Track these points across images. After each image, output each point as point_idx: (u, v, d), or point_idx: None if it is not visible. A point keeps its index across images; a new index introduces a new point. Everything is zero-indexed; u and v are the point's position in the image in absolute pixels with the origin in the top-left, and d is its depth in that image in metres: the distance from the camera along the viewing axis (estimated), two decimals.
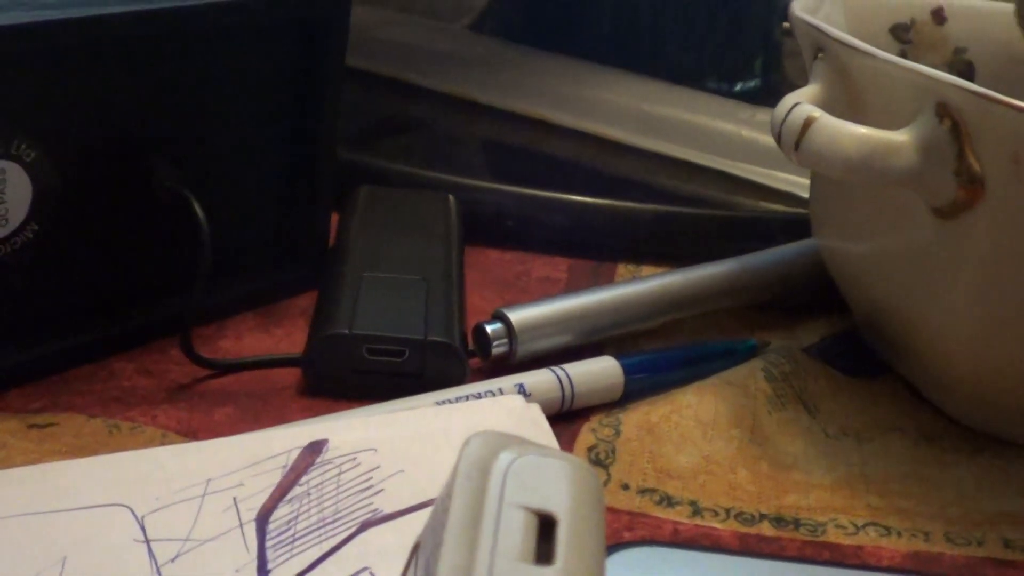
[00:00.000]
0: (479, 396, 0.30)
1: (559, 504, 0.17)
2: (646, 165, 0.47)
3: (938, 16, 0.40)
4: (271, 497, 0.26)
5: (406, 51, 0.53)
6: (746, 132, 0.46)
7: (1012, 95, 0.27)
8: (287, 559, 0.25)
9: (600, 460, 0.30)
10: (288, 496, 0.26)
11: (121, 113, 0.32)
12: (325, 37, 0.35)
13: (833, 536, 0.28)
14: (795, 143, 0.29)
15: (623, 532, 0.28)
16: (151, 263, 0.34)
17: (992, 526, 0.29)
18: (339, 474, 0.27)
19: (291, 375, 0.33)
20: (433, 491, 0.27)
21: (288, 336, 0.35)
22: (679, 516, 0.29)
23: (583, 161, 0.47)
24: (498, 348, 0.33)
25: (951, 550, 0.28)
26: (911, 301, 0.32)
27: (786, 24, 0.51)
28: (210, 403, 0.31)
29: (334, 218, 0.38)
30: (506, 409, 0.29)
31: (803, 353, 0.36)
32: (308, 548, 0.25)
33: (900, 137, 0.28)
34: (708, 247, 0.41)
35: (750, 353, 0.35)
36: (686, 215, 0.43)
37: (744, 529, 0.28)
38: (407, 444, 0.28)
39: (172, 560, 0.25)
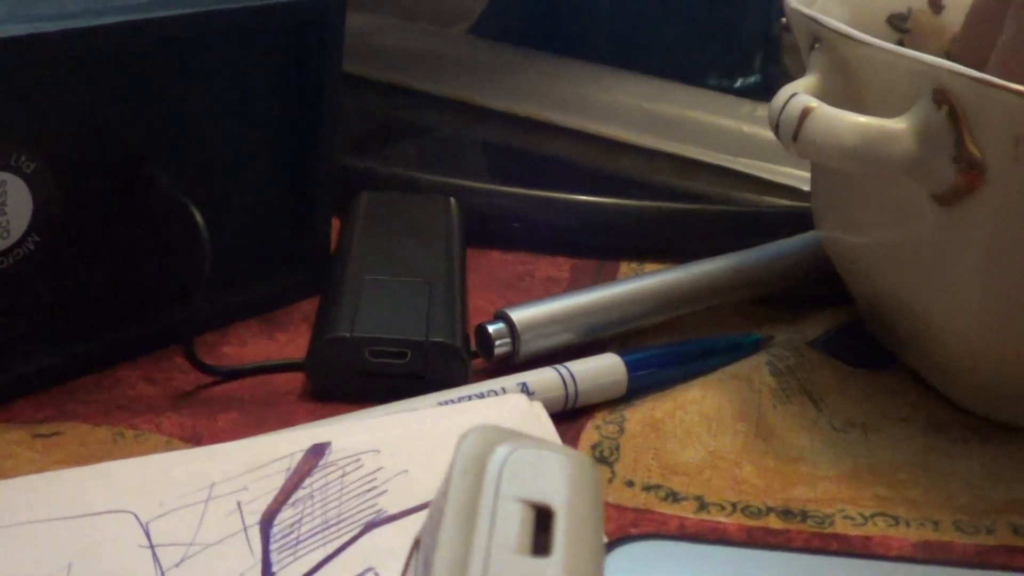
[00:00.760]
0: (482, 396, 0.30)
1: (556, 496, 0.17)
2: (647, 163, 0.46)
3: (935, 5, 0.40)
4: (275, 500, 0.26)
5: (405, 56, 0.53)
6: (747, 127, 0.46)
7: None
8: (291, 562, 0.25)
9: (604, 457, 0.30)
10: (292, 499, 0.26)
11: (119, 123, 0.32)
12: (321, 42, 0.35)
13: (841, 527, 0.28)
14: (793, 134, 0.29)
15: (628, 529, 0.28)
16: (153, 271, 0.34)
17: (1002, 514, 0.29)
18: (342, 476, 0.27)
19: (294, 380, 0.33)
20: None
21: (291, 342, 0.35)
22: (685, 512, 0.28)
23: (584, 161, 0.47)
24: (501, 348, 0.33)
25: (961, 539, 0.28)
26: (915, 290, 0.31)
27: (784, 19, 0.51)
28: (214, 409, 0.31)
29: (336, 223, 0.38)
30: (509, 408, 0.29)
31: (808, 346, 0.35)
32: (312, 550, 0.25)
33: (898, 125, 0.28)
34: (711, 243, 0.40)
35: (754, 347, 0.35)
36: (689, 212, 0.43)
37: (751, 522, 0.28)
38: (410, 445, 0.28)
39: (177, 565, 0.25)
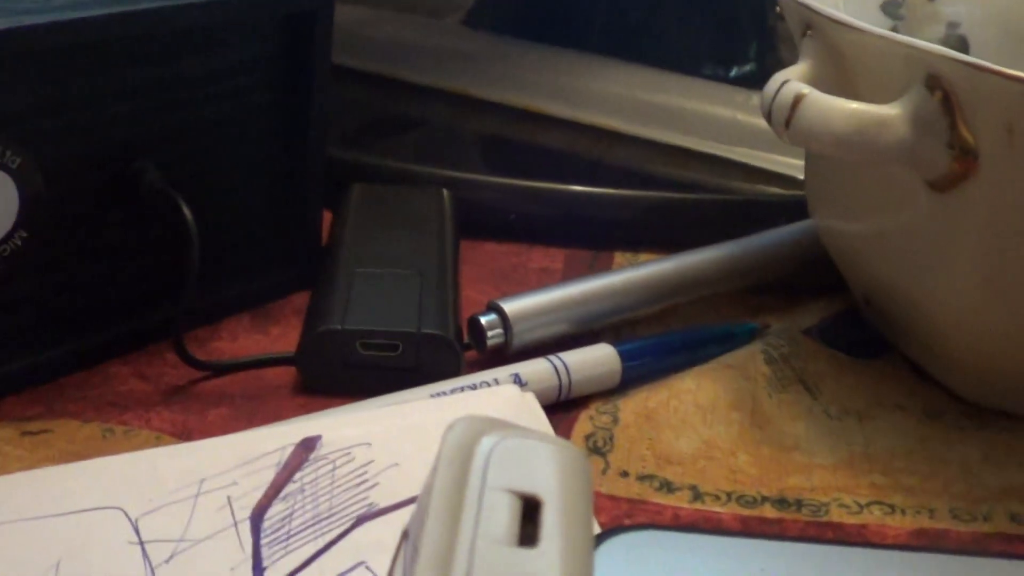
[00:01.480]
0: (475, 387, 0.30)
1: (544, 486, 0.16)
2: (642, 153, 0.46)
3: None
4: (265, 495, 0.26)
5: (398, 48, 0.53)
6: (742, 116, 0.46)
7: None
8: (282, 556, 0.25)
9: (598, 448, 0.30)
10: (282, 493, 0.26)
11: (106, 117, 0.32)
12: (310, 33, 0.34)
13: (836, 516, 0.28)
14: (785, 121, 0.28)
15: (623, 519, 0.28)
16: (143, 267, 0.34)
17: (998, 501, 0.29)
18: (333, 470, 0.27)
19: (286, 374, 0.33)
20: None
21: (283, 335, 0.35)
22: (679, 502, 0.28)
23: (579, 151, 0.47)
24: (493, 339, 0.33)
25: (957, 526, 0.28)
26: (910, 277, 0.31)
27: (779, 8, 0.51)
28: (205, 404, 0.31)
29: (327, 216, 0.38)
30: (501, 399, 0.29)
31: (803, 334, 0.35)
32: (303, 545, 0.25)
33: (891, 111, 0.28)
34: (706, 232, 0.40)
35: (749, 336, 0.35)
36: (684, 201, 0.42)
37: (746, 512, 0.28)
38: (401, 437, 0.27)
39: (167, 561, 0.24)
